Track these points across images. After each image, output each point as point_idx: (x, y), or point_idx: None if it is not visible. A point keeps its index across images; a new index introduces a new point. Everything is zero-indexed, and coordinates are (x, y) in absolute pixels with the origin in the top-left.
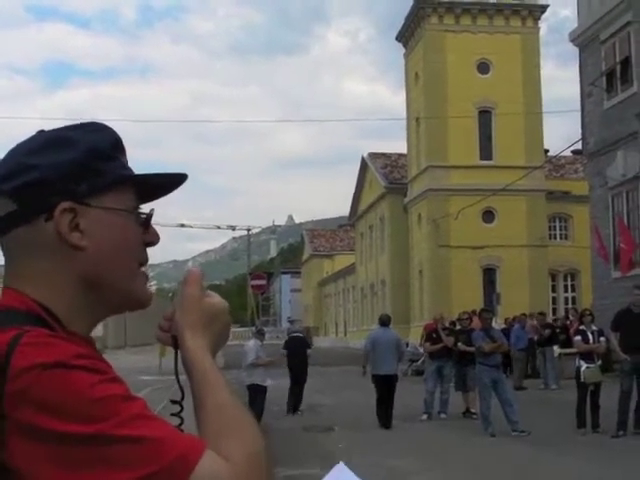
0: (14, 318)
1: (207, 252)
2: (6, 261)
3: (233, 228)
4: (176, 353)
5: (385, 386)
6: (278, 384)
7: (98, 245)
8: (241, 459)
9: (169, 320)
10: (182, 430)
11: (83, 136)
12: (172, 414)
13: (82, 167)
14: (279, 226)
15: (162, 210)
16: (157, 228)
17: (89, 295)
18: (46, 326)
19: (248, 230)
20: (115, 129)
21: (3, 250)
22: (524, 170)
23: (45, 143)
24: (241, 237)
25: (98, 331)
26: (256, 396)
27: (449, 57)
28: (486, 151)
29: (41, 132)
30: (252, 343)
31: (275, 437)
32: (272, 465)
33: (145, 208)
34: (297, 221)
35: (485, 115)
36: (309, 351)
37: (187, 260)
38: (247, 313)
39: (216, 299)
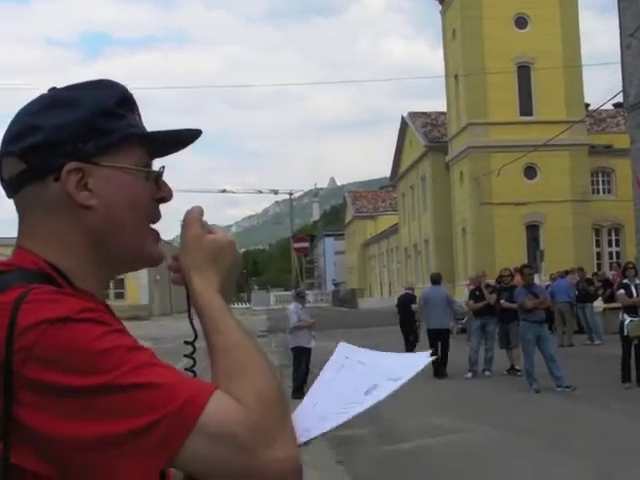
0: (22, 277)
1: (250, 217)
2: (19, 220)
3: (275, 192)
4: (187, 293)
5: (438, 339)
6: (322, 346)
7: (107, 204)
8: (252, 399)
9: (177, 260)
10: (194, 372)
11: (88, 94)
12: (185, 355)
13: (88, 126)
14: (321, 189)
15: (204, 177)
16: (200, 195)
17: (98, 253)
18: (54, 284)
19: (290, 194)
20: (134, 91)
21: (16, 209)
22: (565, 125)
23: (51, 103)
24: (283, 201)
25: (144, 299)
26: (301, 358)
27: (486, 12)
28: (526, 107)
29: (52, 90)
30: (293, 306)
31: None
32: (287, 406)
33: (158, 163)
34: (339, 183)
35: (524, 70)
36: (414, 306)
37: (230, 225)
38: (291, 276)
39: (219, 234)
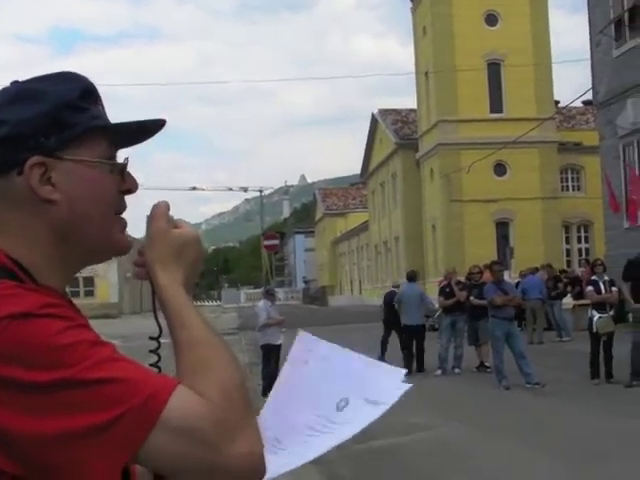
0: None
1: (220, 214)
2: None
3: (245, 190)
4: (152, 288)
5: (414, 335)
6: (291, 343)
7: (71, 197)
8: (216, 393)
9: (142, 254)
10: (159, 367)
11: (51, 87)
12: (150, 351)
13: (50, 120)
14: (291, 186)
15: (173, 174)
16: (169, 192)
17: (63, 247)
18: (16, 279)
19: (260, 191)
20: (90, 81)
21: None
22: (535, 122)
23: (14, 96)
24: (254, 198)
25: (113, 297)
26: (270, 355)
27: (456, 10)
28: (496, 104)
29: (14, 83)
30: (262, 304)
31: None
32: (251, 402)
33: (122, 155)
34: (309, 181)
35: (494, 67)
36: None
37: (200, 223)
38: (262, 274)
39: (185, 229)
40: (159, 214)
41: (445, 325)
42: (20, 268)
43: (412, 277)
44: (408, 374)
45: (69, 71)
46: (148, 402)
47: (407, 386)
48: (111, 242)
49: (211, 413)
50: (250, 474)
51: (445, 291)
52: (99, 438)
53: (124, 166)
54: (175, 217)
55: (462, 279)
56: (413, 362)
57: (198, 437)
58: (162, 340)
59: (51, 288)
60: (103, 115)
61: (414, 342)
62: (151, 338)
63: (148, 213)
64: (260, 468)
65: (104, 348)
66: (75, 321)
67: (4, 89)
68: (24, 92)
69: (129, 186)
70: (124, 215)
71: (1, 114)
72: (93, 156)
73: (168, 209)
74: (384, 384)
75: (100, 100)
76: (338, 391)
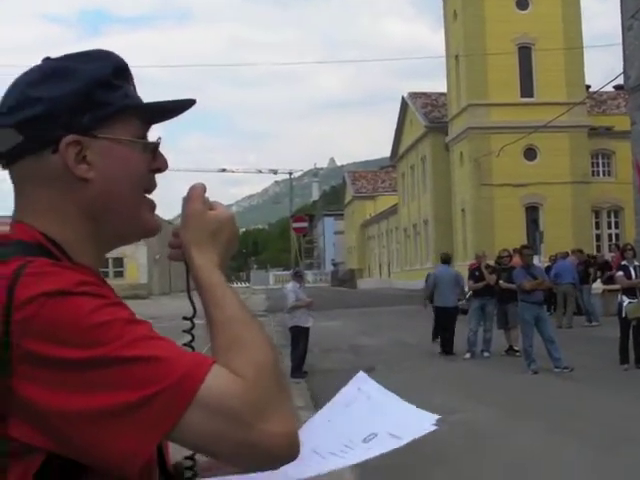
0: (21, 249)
1: (249, 197)
2: (15, 193)
3: (275, 172)
4: (187, 268)
5: (446, 317)
6: (321, 325)
7: (104, 175)
8: (250, 371)
9: (177, 236)
10: (193, 347)
11: (84, 65)
12: (184, 331)
13: (85, 98)
14: (321, 169)
15: (204, 156)
16: (200, 174)
17: (95, 225)
18: (51, 257)
19: (290, 174)
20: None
21: (12, 181)
22: (565, 106)
23: (48, 74)
24: (283, 181)
25: (142, 278)
26: (299, 337)
27: None
28: (527, 88)
29: (46, 60)
30: (290, 286)
31: (316, 377)
32: (285, 381)
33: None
34: (339, 163)
35: (525, 51)
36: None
37: (230, 205)
38: (291, 256)
39: (219, 210)
40: (196, 196)
41: (474, 308)
42: (55, 246)
43: (446, 259)
44: (442, 354)
45: (101, 49)
46: (184, 380)
47: (432, 428)
48: (140, 222)
49: (246, 392)
50: (284, 453)
51: (475, 274)
52: (134, 416)
53: (156, 145)
54: (210, 199)
55: (491, 263)
56: (446, 343)
57: (233, 415)
58: (196, 321)
59: (86, 266)
60: (135, 94)
61: (447, 324)
62: (185, 318)
63: (184, 195)
64: (294, 447)
65: (140, 326)
66: (111, 299)
67: (37, 66)
68: (58, 70)
69: (159, 165)
70: (152, 196)
71: (35, 91)
72: (126, 134)
73: (204, 191)
74: (412, 424)
75: (132, 79)
76: (370, 427)
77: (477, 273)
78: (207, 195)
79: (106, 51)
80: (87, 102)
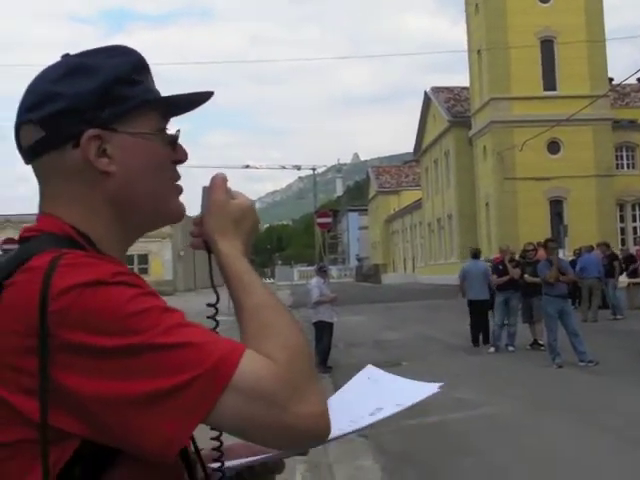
0: (52, 241)
1: (273, 193)
2: (40, 187)
3: (298, 168)
4: (209, 257)
5: (479, 309)
6: (345, 321)
7: (126, 168)
8: (282, 356)
9: (198, 225)
10: (218, 333)
11: (105, 61)
12: (208, 317)
13: (105, 94)
14: (344, 164)
15: (227, 152)
16: (223, 170)
17: (120, 217)
18: (80, 248)
19: (313, 169)
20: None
21: (36, 176)
22: (589, 99)
23: (69, 70)
24: (307, 176)
25: (167, 275)
26: (323, 332)
27: None
28: (549, 81)
29: (65, 56)
30: (315, 281)
31: (340, 372)
32: (314, 362)
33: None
34: (362, 159)
35: (547, 44)
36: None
37: (253, 201)
38: (315, 252)
39: (241, 199)
40: (218, 186)
41: (498, 303)
42: (85, 239)
43: (476, 254)
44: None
45: (120, 45)
46: (219, 365)
47: (437, 390)
48: (168, 210)
49: (279, 375)
50: (318, 433)
51: (498, 268)
52: (171, 401)
53: (176, 137)
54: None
55: (516, 257)
56: (479, 335)
57: (267, 398)
58: (222, 317)
59: (114, 258)
60: (155, 88)
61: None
62: (209, 305)
63: (205, 185)
64: (327, 427)
65: (174, 314)
66: (145, 288)
67: (57, 63)
68: (78, 66)
69: (180, 157)
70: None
71: (56, 87)
72: (146, 128)
73: (226, 181)
74: (417, 391)
75: (151, 73)
76: (375, 403)
77: (501, 267)
78: (228, 185)
79: (126, 47)
80: (108, 97)
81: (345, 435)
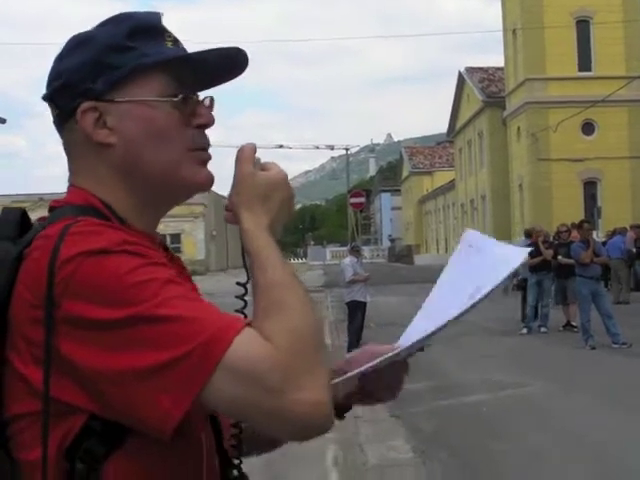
0: (71, 211)
1: (306, 172)
2: (67, 160)
3: (332, 148)
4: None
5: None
6: (378, 301)
7: (127, 138)
8: (284, 338)
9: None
10: (245, 314)
11: (99, 31)
12: (236, 296)
13: (96, 64)
14: (378, 144)
15: (259, 132)
16: (257, 151)
17: (132, 188)
18: (102, 218)
19: (347, 149)
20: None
21: (64, 149)
22: (624, 80)
23: (72, 45)
24: (340, 156)
25: (200, 254)
26: (356, 312)
27: None
28: (585, 62)
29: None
30: (348, 260)
31: None
32: (322, 349)
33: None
34: (395, 139)
35: (583, 25)
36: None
37: (286, 173)
38: (348, 232)
39: (272, 171)
40: (245, 157)
41: (531, 284)
42: (108, 208)
43: (529, 234)
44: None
45: (123, 12)
46: (211, 342)
47: (525, 255)
48: (180, 178)
49: (276, 358)
50: (315, 422)
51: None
52: (164, 375)
53: (190, 100)
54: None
55: (550, 238)
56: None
57: (259, 381)
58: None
59: (135, 228)
60: (165, 50)
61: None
62: (238, 284)
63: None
64: (326, 418)
65: (177, 287)
66: (151, 259)
67: (68, 39)
68: (76, 40)
69: (203, 120)
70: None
71: (61, 64)
72: (149, 94)
73: (254, 152)
74: (508, 260)
75: (164, 35)
76: (475, 281)
77: (533, 248)
78: (257, 156)
79: (127, 13)
80: (99, 68)
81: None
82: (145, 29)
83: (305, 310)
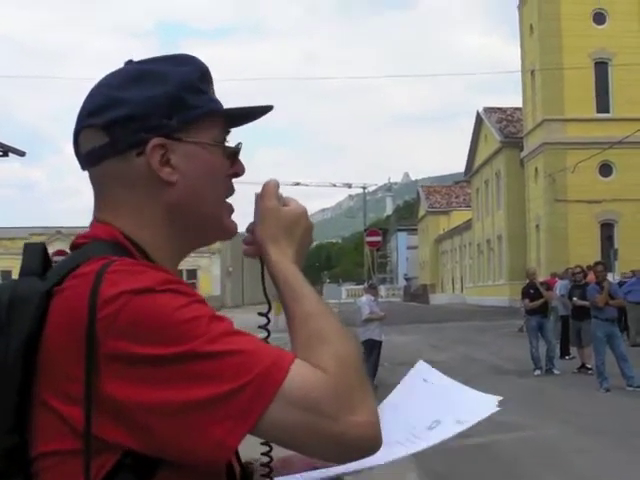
0: (102, 249)
1: (323, 210)
2: (95, 194)
3: (349, 186)
4: (262, 265)
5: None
6: (392, 340)
7: (187, 179)
8: (332, 365)
9: (252, 233)
10: (269, 343)
11: (172, 69)
12: (259, 326)
13: (173, 102)
14: (395, 183)
15: (276, 169)
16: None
17: (175, 228)
18: (131, 257)
19: (364, 188)
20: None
21: (93, 182)
22: None
23: (135, 76)
24: (357, 195)
25: (215, 290)
26: (372, 351)
27: (564, 7)
28: (603, 103)
29: (129, 63)
30: (365, 299)
31: (386, 392)
32: (365, 372)
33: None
34: (413, 178)
35: (601, 66)
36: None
37: (305, 208)
38: (364, 270)
39: (293, 205)
40: (269, 192)
41: (532, 327)
42: (135, 247)
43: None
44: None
45: (185, 53)
46: (269, 372)
47: (495, 409)
48: (221, 225)
49: (329, 384)
50: (370, 443)
51: (529, 292)
52: (222, 407)
53: (237, 150)
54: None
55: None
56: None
57: (317, 408)
58: (276, 335)
59: (166, 268)
60: (217, 99)
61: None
62: (260, 314)
63: (257, 191)
64: (378, 437)
65: (223, 322)
66: (194, 297)
67: (122, 69)
68: (144, 72)
69: (237, 170)
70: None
71: (121, 93)
72: (209, 139)
73: (278, 187)
74: (475, 407)
75: (213, 83)
76: (434, 414)
77: (532, 291)
78: (280, 192)
79: (190, 56)
80: (176, 105)
81: (403, 457)
82: (208, 75)
83: (345, 337)
